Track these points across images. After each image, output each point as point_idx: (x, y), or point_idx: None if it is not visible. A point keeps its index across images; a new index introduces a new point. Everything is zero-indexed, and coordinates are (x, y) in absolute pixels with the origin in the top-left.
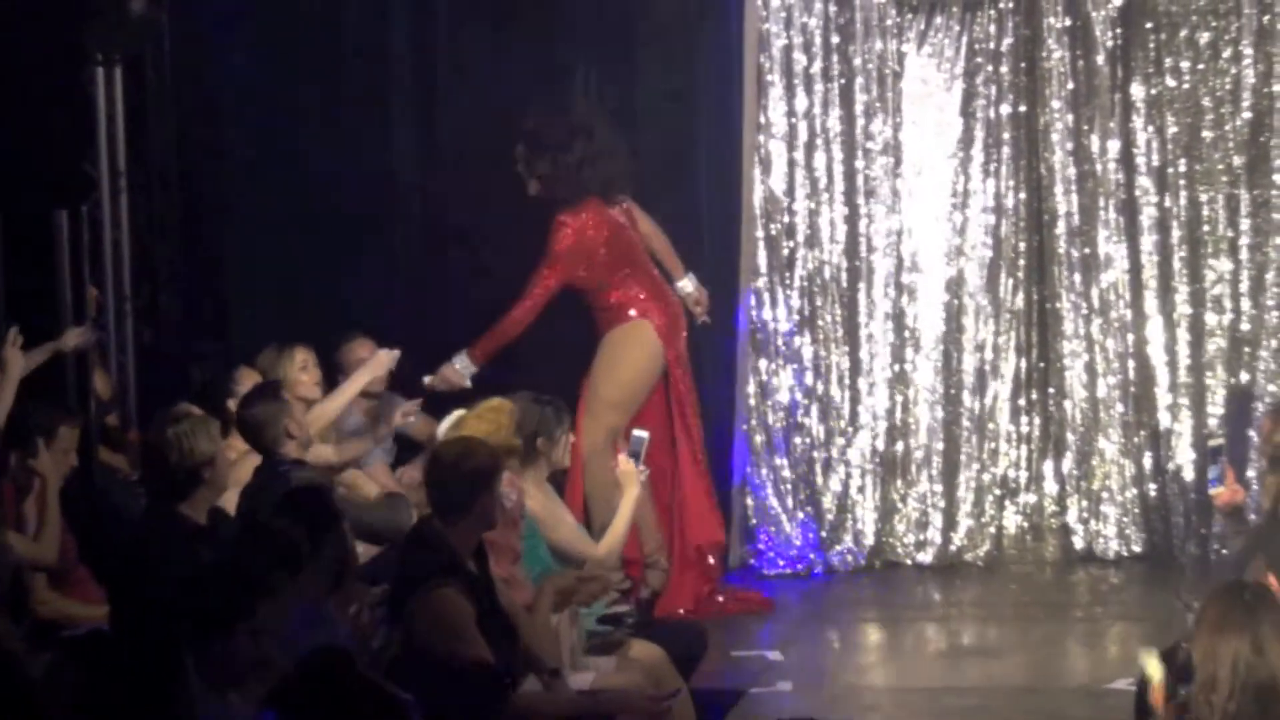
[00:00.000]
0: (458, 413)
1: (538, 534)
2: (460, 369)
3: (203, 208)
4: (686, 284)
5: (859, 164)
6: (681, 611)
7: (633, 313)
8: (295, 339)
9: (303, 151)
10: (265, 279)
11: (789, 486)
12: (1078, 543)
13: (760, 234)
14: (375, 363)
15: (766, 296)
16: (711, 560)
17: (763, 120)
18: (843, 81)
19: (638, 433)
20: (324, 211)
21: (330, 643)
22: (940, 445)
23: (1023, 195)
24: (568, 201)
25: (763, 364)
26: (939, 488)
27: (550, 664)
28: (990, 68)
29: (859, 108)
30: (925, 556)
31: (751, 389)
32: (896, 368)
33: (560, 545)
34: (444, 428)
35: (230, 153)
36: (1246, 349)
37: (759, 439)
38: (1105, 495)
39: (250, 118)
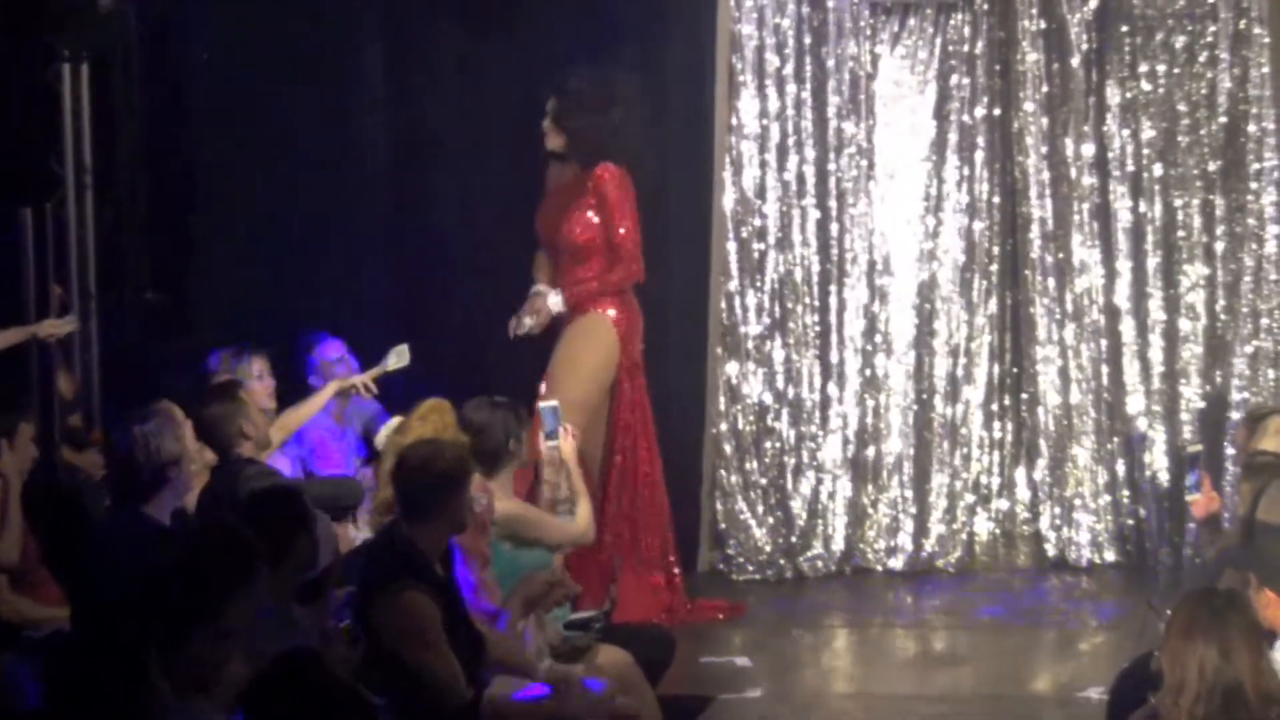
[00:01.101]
0: (396, 419)
1: (503, 553)
2: (553, 303)
3: (170, 206)
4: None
5: (831, 166)
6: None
7: (592, 300)
8: (265, 339)
9: (273, 149)
10: (234, 278)
11: (759, 491)
12: (1050, 550)
13: (731, 236)
14: (343, 380)
15: (737, 299)
16: (676, 570)
17: (734, 121)
18: (815, 83)
19: (546, 405)
20: (295, 210)
21: (299, 645)
22: (912, 450)
23: (996, 199)
24: (585, 163)
25: (733, 367)
26: (910, 493)
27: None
28: (964, 70)
29: (832, 109)
30: (896, 563)
31: (721, 392)
32: (868, 372)
33: (545, 539)
34: (384, 434)
35: (199, 151)
36: (1221, 356)
37: (729, 443)
38: (1078, 502)
39: (219, 115)
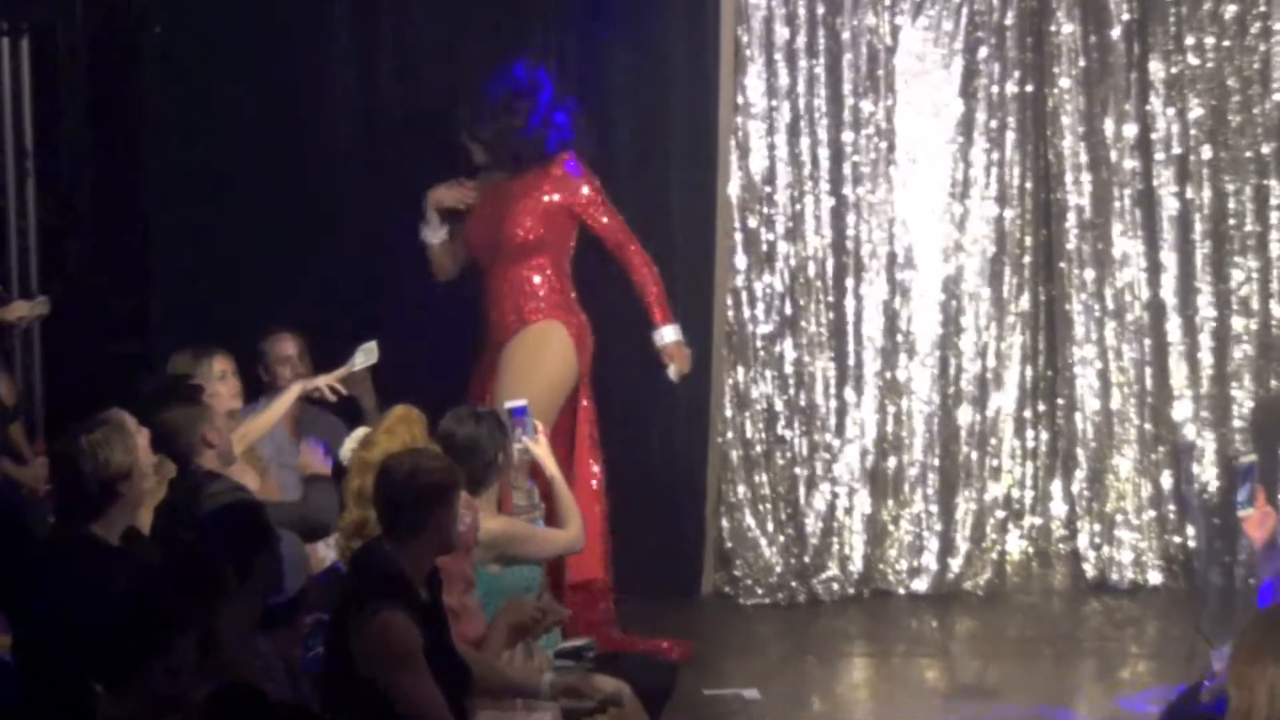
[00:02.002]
0: (361, 431)
1: (486, 575)
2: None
3: (119, 195)
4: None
5: (847, 149)
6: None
7: (540, 309)
8: (222, 339)
9: (232, 134)
10: (189, 273)
11: (769, 506)
12: (1089, 570)
13: (737, 226)
14: (312, 379)
15: (744, 295)
16: (599, 601)
17: (740, 100)
18: (829, 57)
19: (513, 404)
20: (259, 200)
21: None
22: (936, 461)
23: (1029, 185)
24: (521, 166)
25: (740, 370)
26: (935, 509)
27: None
28: (993, 43)
29: (847, 86)
30: (920, 585)
31: (728, 398)
32: (888, 375)
33: (537, 553)
34: (347, 448)
35: (150, 135)
36: (1277, 356)
37: (735, 453)
38: (1119, 518)
39: (173, 97)
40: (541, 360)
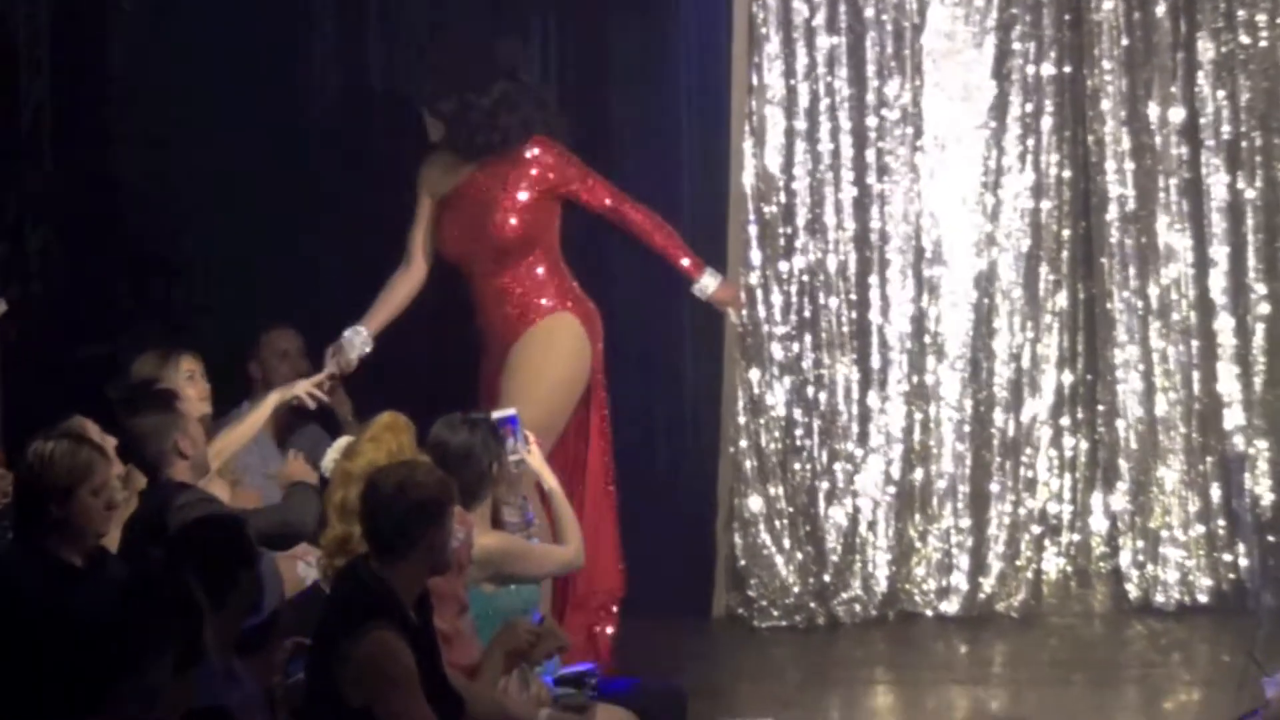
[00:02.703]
0: (343, 439)
1: (481, 596)
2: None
3: (82, 183)
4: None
5: (871, 135)
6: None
7: (545, 302)
8: (196, 340)
9: (205, 115)
10: (159, 269)
11: (785, 521)
12: (1132, 591)
13: (752, 219)
14: (290, 386)
15: (759, 293)
16: (606, 617)
17: (755, 82)
18: (852, 36)
19: (502, 413)
20: (232, 191)
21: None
22: (967, 472)
23: (1067, 173)
24: (479, 150)
25: (754, 374)
26: (966, 523)
27: None
28: (1028, 20)
29: (871, 67)
30: (949, 606)
31: (741, 404)
32: (915, 379)
33: (534, 571)
34: (329, 459)
35: (116, 118)
36: None
37: (749, 463)
38: (1165, 534)
39: (141, 76)
40: (554, 354)
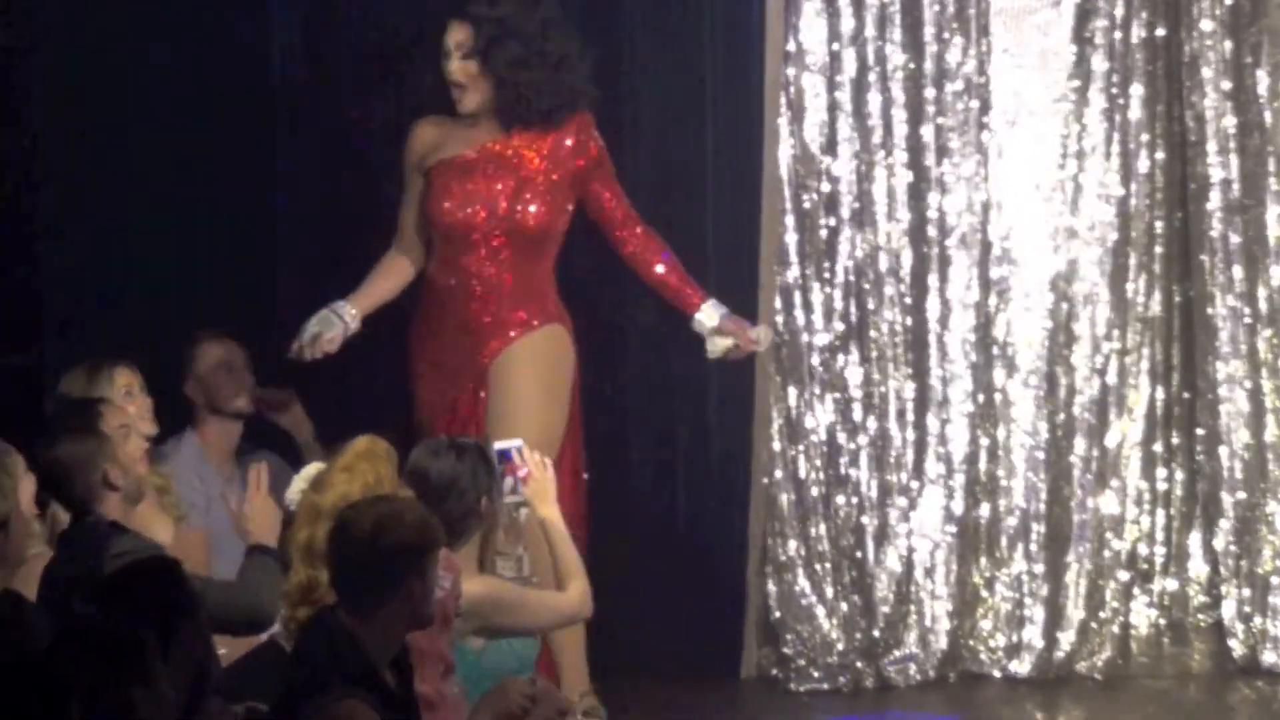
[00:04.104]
0: (312, 467)
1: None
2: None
3: (9, 178)
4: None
5: (929, 109)
6: None
7: (541, 309)
8: (133, 350)
9: (145, 102)
10: (94, 270)
11: (828, 566)
12: (1236, 648)
13: (789, 208)
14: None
15: (798, 296)
16: None
17: (793, 47)
18: None
19: (505, 444)
20: (171, 183)
21: None
22: (1042, 508)
23: (1160, 155)
24: (529, 118)
25: (792, 392)
26: (1040, 569)
27: None
28: None
29: (929, 30)
30: (1020, 666)
31: (776, 427)
32: (981, 398)
33: (530, 623)
34: (295, 490)
35: (48, 105)
36: None
37: (786, 497)
38: (1276, 580)
39: (73, 61)
40: (560, 371)
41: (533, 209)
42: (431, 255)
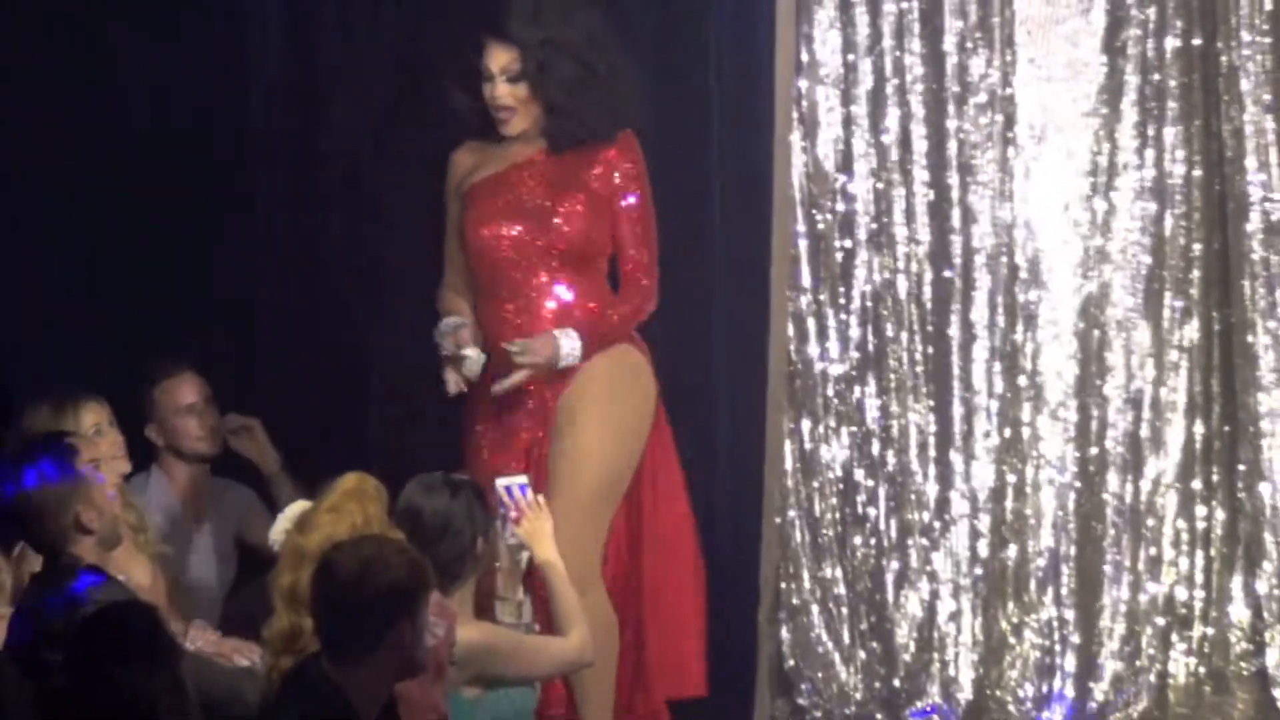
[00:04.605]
0: (298, 505)
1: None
2: (568, 349)
3: None
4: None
5: (951, 124)
6: None
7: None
8: (90, 385)
9: (108, 91)
10: (51, 291)
11: (845, 610)
12: None
13: (802, 229)
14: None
15: (811, 323)
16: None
17: (805, 57)
18: (927, 0)
19: (509, 480)
20: (139, 186)
21: None
22: (1073, 550)
23: (1197, 172)
24: (573, 140)
25: (805, 425)
26: (1071, 615)
27: None
28: None
29: (951, 39)
30: (1051, 717)
31: (789, 462)
32: (1007, 432)
33: (527, 672)
34: (279, 530)
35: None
36: None
37: (800, 537)
38: None
39: (20, 53)
40: (629, 399)
41: (569, 223)
42: (477, 293)
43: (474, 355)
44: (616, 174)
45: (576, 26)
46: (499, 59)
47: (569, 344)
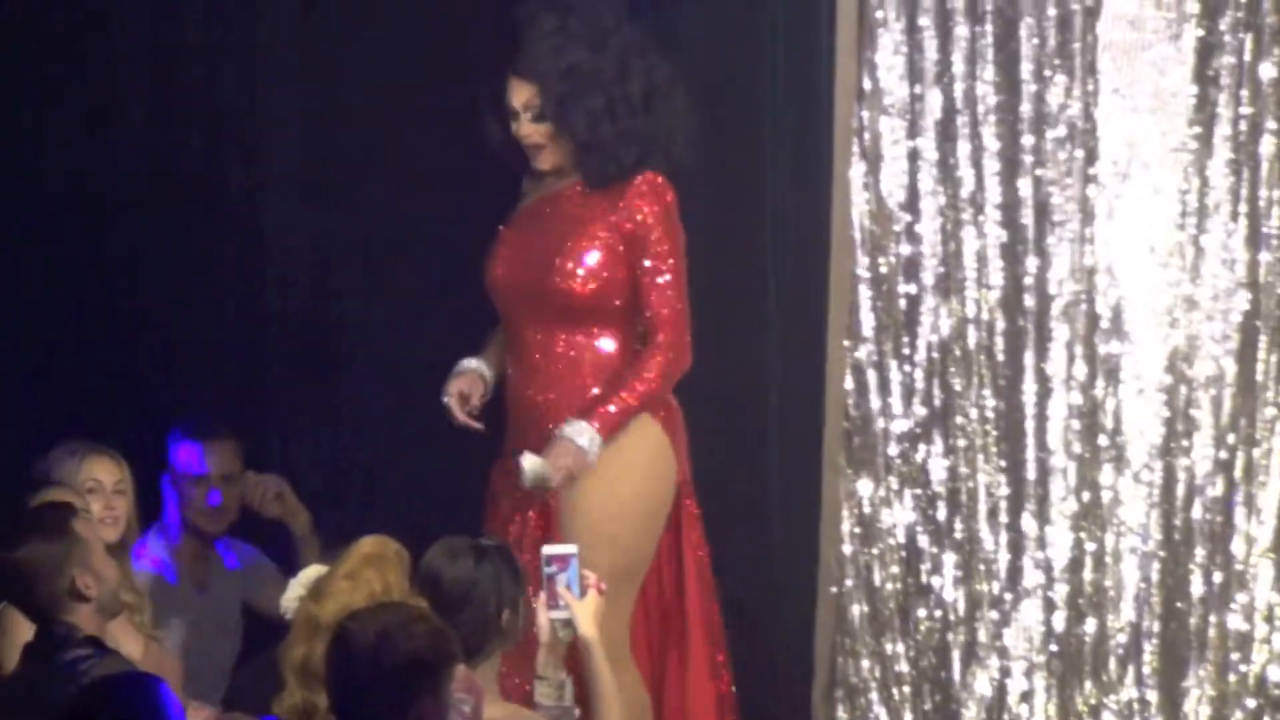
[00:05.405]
0: (312, 570)
1: None
2: (587, 444)
3: None
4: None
5: (1026, 159)
6: None
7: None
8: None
9: (97, 126)
10: (44, 339)
11: (908, 690)
12: None
13: (863, 273)
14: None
15: (872, 376)
16: None
17: (868, 85)
18: (1001, 22)
19: (558, 550)
20: (94, 218)
21: None
22: (1157, 625)
23: None
24: (604, 178)
25: (865, 486)
26: (1154, 696)
27: None
28: (1242, 2)
29: (1027, 67)
30: None
31: (847, 526)
32: (1086, 496)
33: None
34: (291, 597)
35: None
36: None
37: (858, 609)
38: None
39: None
40: (632, 469)
41: (577, 268)
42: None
43: (449, 404)
44: (638, 216)
45: (607, 53)
46: (521, 95)
47: (585, 442)
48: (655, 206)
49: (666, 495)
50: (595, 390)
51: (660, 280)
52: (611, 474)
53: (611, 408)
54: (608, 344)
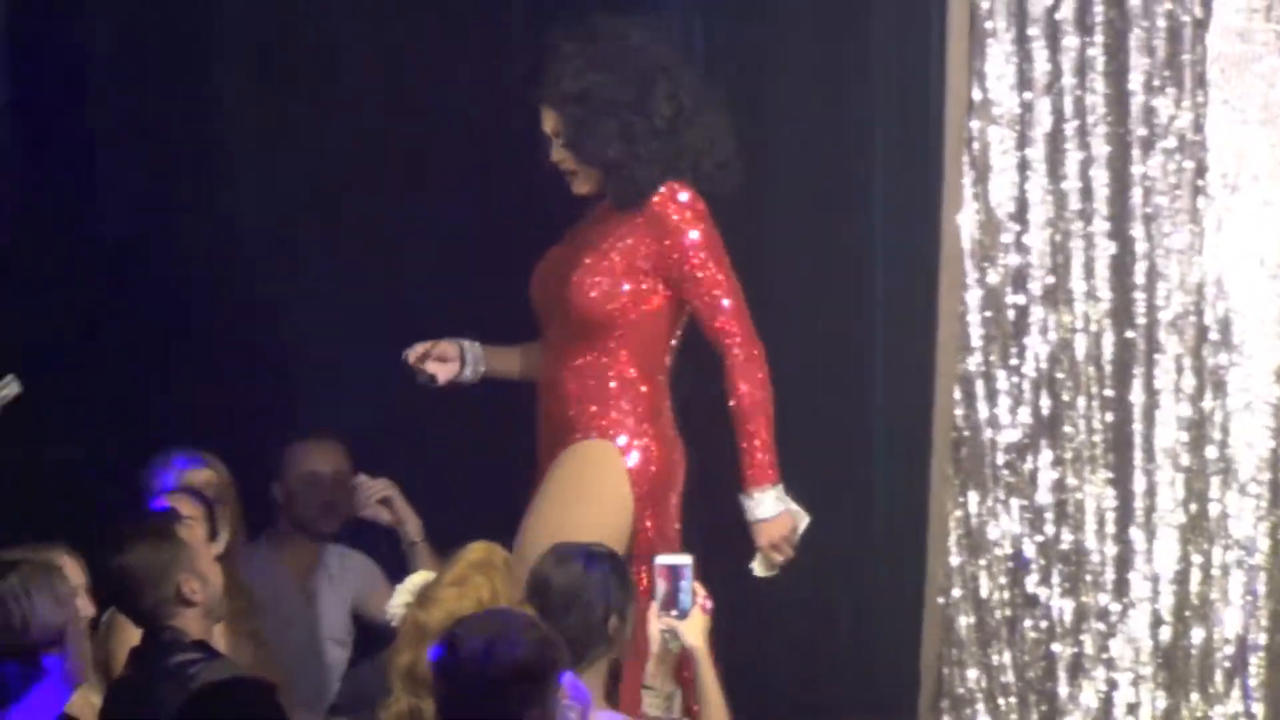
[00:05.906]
0: (419, 576)
1: None
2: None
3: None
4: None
5: (1136, 170)
6: None
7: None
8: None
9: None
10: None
11: (1014, 700)
12: None
13: (971, 284)
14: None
15: (980, 386)
16: None
17: (978, 96)
18: (1111, 33)
19: (672, 560)
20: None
21: None
22: (1263, 639)
23: None
24: (631, 199)
25: (972, 498)
26: (1260, 708)
27: None
28: None
29: (1137, 78)
30: None
31: (954, 538)
32: (1194, 508)
33: None
34: (398, 603)
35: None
36: None
37: (964, 620)
38: None
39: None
40: (580, 498)
41: (587, 288)
42: None
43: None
44: (663, 228)
45: (626, 75)
46: (549, 122)
47: (769, 510)
48: (678, 216)
49: (616, 527)
50: (612, 410)
51: (704, 279)
52: (567, 497)
53: (758, 456)
54: (626, 359)
